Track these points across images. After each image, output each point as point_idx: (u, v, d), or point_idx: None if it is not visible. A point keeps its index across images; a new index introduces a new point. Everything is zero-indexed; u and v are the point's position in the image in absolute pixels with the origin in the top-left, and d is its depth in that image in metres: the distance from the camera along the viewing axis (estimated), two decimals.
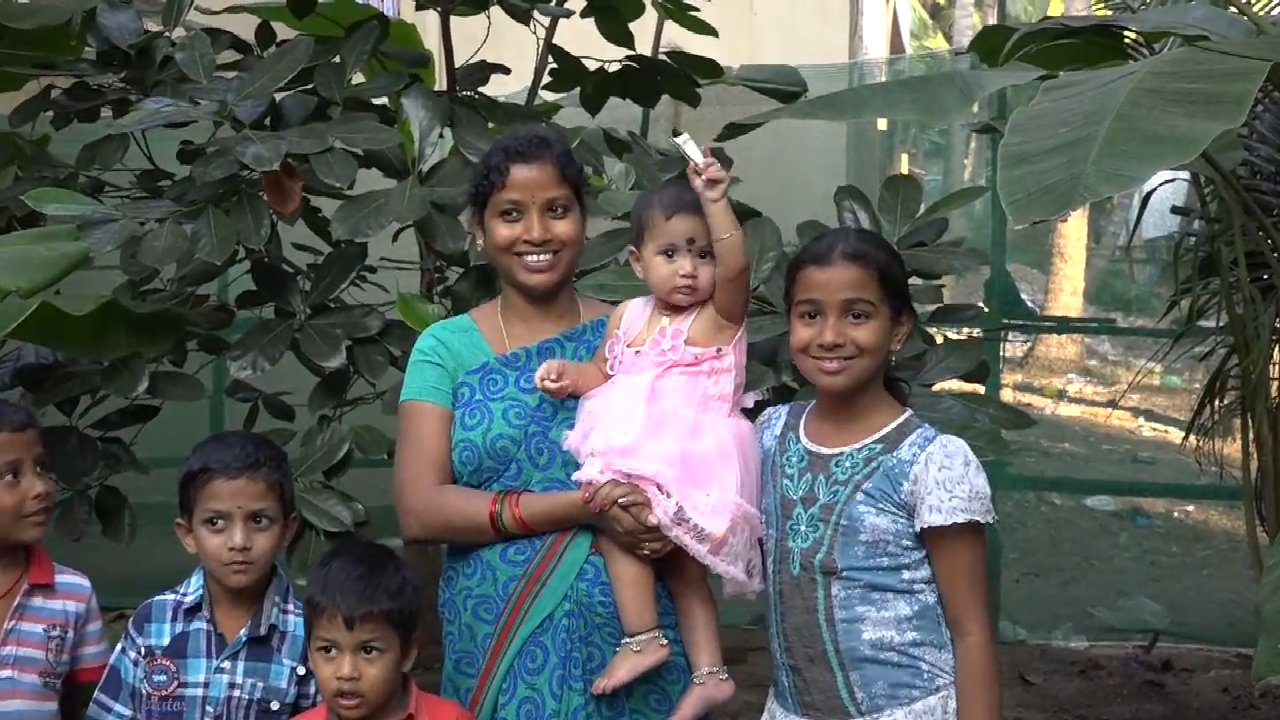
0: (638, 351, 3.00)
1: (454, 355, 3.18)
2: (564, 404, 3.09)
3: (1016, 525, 9.23)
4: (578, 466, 2.96)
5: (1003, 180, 2.87)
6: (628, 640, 2.96)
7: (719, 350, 2.97)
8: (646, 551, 2.93)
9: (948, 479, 2.80)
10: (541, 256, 3.09)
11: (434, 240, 4.27)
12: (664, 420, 2.92)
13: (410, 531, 3.11)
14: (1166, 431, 12.22)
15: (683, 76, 5.30)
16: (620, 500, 2.88)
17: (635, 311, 3.07)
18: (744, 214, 4.61)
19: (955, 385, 4.41)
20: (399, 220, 4.17)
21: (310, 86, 4.62)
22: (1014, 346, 12.72)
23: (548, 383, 3.00)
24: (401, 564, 2.97)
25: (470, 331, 3.22)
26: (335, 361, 4.23)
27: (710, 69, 5.30)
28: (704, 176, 2.89)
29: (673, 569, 3.00)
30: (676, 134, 2.98)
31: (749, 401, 3.08)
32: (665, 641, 2.97)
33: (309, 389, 4.51)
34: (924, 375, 3.94)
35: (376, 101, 4.80)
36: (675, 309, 3.00)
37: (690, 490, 2.88)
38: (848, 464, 2.89)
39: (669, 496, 2.86)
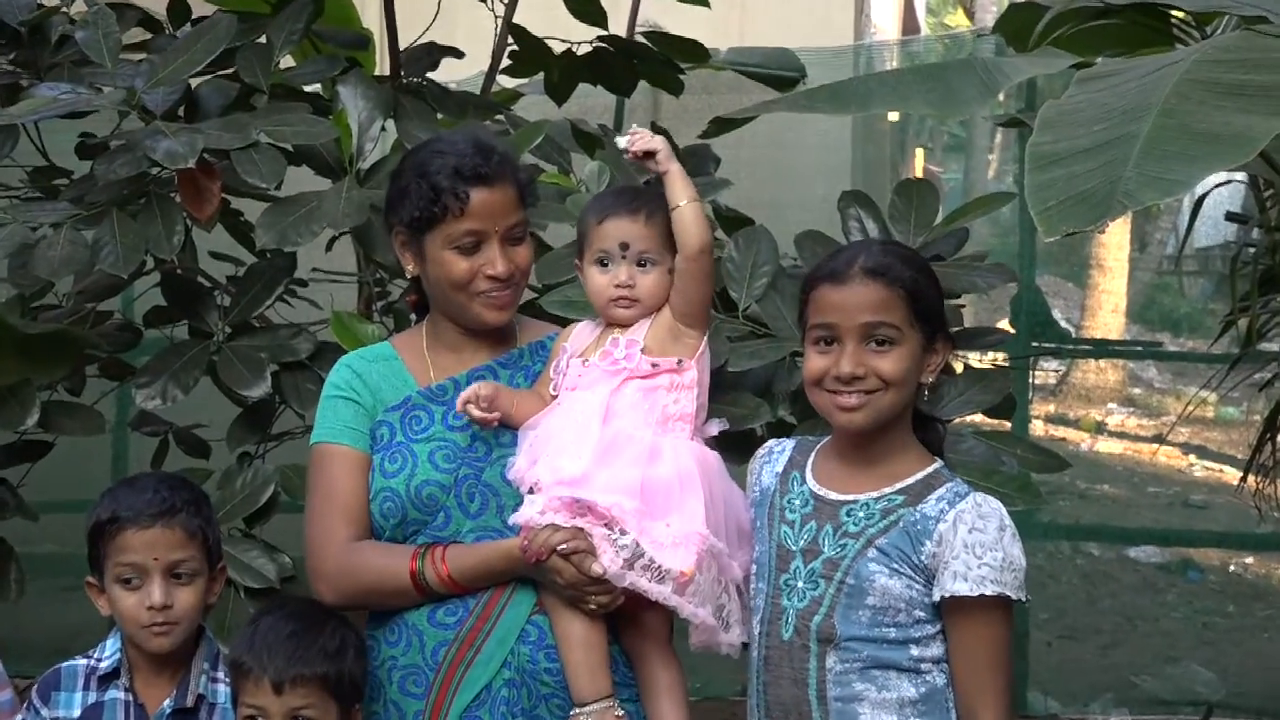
0: (585, 361, 3.02)
1: (372, 390, 3.18)
2: (499, 441, 3.10)
3: (1048, 580, 9.24)
4: (517, 509, 2.97)
5: (1031, 185, 2.88)
6: (578, 711, 2.96)
7: (679, 362, 2.99)
8: (594, 606, 2.93)
9: (979, 543, 2.79)
10: (503, 292, 3.11)
11: (374, 250, 4.28)
12: (619, 443, 2.93)
13: (323, 598, 3.11)
14: (1222, 471, 12.26)
15: (663, 60, 5.31)
16: (560, 548, 2.88)
17: (582, 329, 3.12)
18: (734, 221, 4.65)
19: (978, 419, 4.42)
20: (334, 226, 4.17)
21: (232, 71, 4.61)
22: (1045, 374, 12.76)
23: (472, 408, 3.00)
24: (344, 623, 2.98)
25: (391, 361, 3.24)
26: (259, 390, 4.23)
27: (695, 51, 5.31)
28: (631, 150, 2.97)
29: (630, 626, 3.00)
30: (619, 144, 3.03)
31: (713, 429, 3.10)
32: (622, 713, 2.97)
33: (227, 422, 4.50)
34: (941, 410, 3.93)
35: (308, 89, 4.80)
36: (623, 325, 3.03)
37: (648, 523, 2.89)
38: (861, 514, 2.88)
39: (624, 534, 2.87)
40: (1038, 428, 11.78)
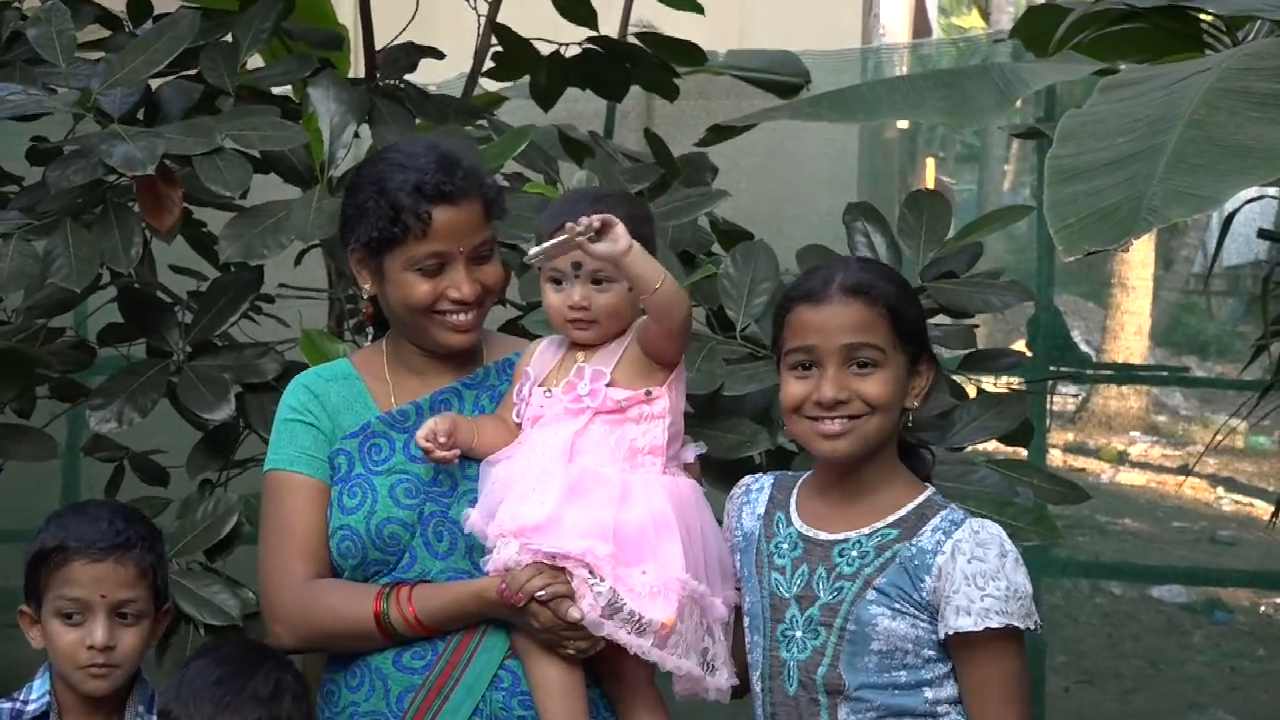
0: (548, 392, 3.00)
1: (330, 413, 3.18)
2: (464, 474, 3.09)
3: (1066, 620, 9.24)
4: (490, 553, 2.95)
5: (1050, 201, 2.88)
6: None
7: (648, 393, 2.98)
8: (572, 651, 2.92)
9: (979, 573, 2.80)
10: (467, 315, 3.10)
11: (346, 263, 4.25)
12: (586, 483, 2.92)
13: (279, 641, 3.11)
14: (1252, 505, 12.27)
15: (657, 63, 5.32)
16: (539, 594, 2.88)
17: (546, 348, 3.10)
18: (732, 235, 4.66)
19: (992, 447, 4.42)
20: (303, 239, 4.17)
21: (195, 72, 4.61)
22: (1064, 399, 12.76)
23: (429, 445, 2.98)
24: (282, 665, 2.96)
25: (350, 381, 3.23)
26: (221, 413, 4.22)
27: (691, 54, 5.32)
28: (575, 233, 2.86)
29: (610, 670, 2.99)
30: (528, 257, 2.95)
31: (690, 455, 3.09)
32: None
33: (187, 447, 4.49)
34: (952, 437, 3.95)
35: (277, 91, 4.80)
36: (587, 345, 3.03)
37: (624, 570, 2.88)
38: (855, 553, 2.88)
39: (602, 580, 2.86)
40: (1055, 457, 11.79)
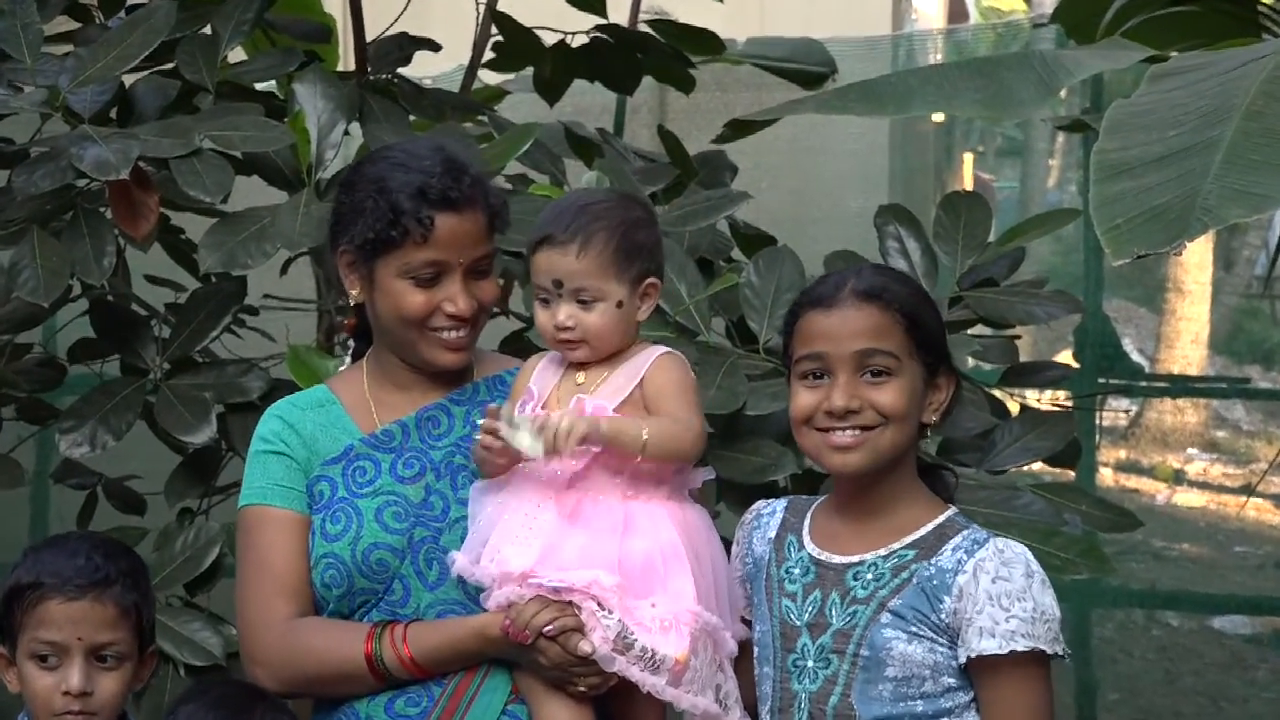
0: (543, 407, 3.02)
1: (306, 441, 3.19)
2: (458, 496, 3.10)
3: (1119, 655, 9.22)
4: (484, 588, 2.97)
5: (1097, 199, 2.88)
6: None
7: None
8: (583, 689, 2.93)
9: (1004, 593, 2.81)
10: (462, 332, 3.12)
11: (333, 267, 4.26)
12: (585, 512, 2.93)
13: (260, 686, 3.10)
14: None
15: (671, 53, 5.33)
16: (547, 629, 2.88)
17: (547, 365, 3.11)
18: (754, 240, 4.66)
19: (1036, 468, 4.42)
20: (289, 247, 4.17)
21: (171, 67, 4.63)
22: (1115, 414, 12.73)
23: (488, 439, 2.98)
24: (277, 708, 2.97)
25: (327, 406, 3.24)
26: (202, 436, 4.23)
27: (708, 43, 5.34)
28: (550, 448, 2.88)
29: (621, 710, 2.99)
30: (510, 423, 2.94)
31: (697, 481, 3.10)
32: None
33: (165, 473, 4.50)
34: (993, 460, 3.94)
35: (260, 88, 4.81)
36: (585, 364, 3.04)
37: (631, 602, 2.88)
38: (869, 575, 2.90)
39: (610, 613, 2.87)
40: (1106, 477, 11.77)
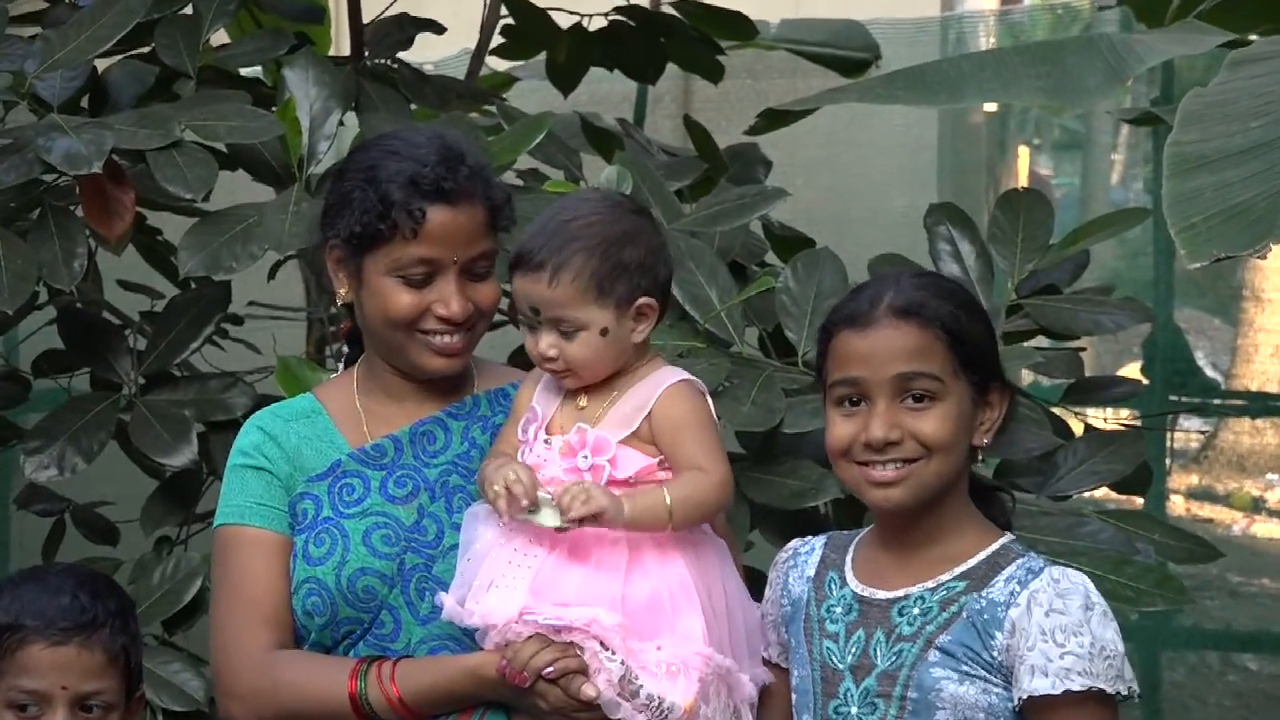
0: (547, 442, 3.01)
1: (289, 455, 3.19)
2: (453, 520, 3.11)
3: (1192, 701, 9.20)
4: None
5: (1170, 196, 2.88)
6: None
7: (662, 461, 3.00)
8: None
9: (1059, 628, 2.79)
10: (455, 337, 3.12)
11: (328, 279, 4.28)
12: (587, 545, 2.93)
13: None
14: None
15: (698, 37, 5.34)
16: (547, 671, 2.89)
17: (547, 386, 3.10)
18: (791, 242, 4.67)
19: (1101, 494, 4.42)
20: (278, 249, 4.18)
21: (149, 50, 4.64)
22: (1187, 435, 12.70)
23: (508, 487, 2.95)
24: None
25: (314, 417, 3.25)
26: (181, 457, 4.23)
27: (739, 26, 5.35)
28: (568, 517, 2.88)
29: None
30: (531, 510, 2.92)
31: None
32: None
33: (140, 498, 4.51)
34: (1055, 485, 3.94)
35: (246, 73, 4.82)
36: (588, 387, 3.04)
37: (635, 644, 2.89)
38: (916, 610, 2.89)
39: (614, 655, 2.87)
40: (1177, 505, 11.74)
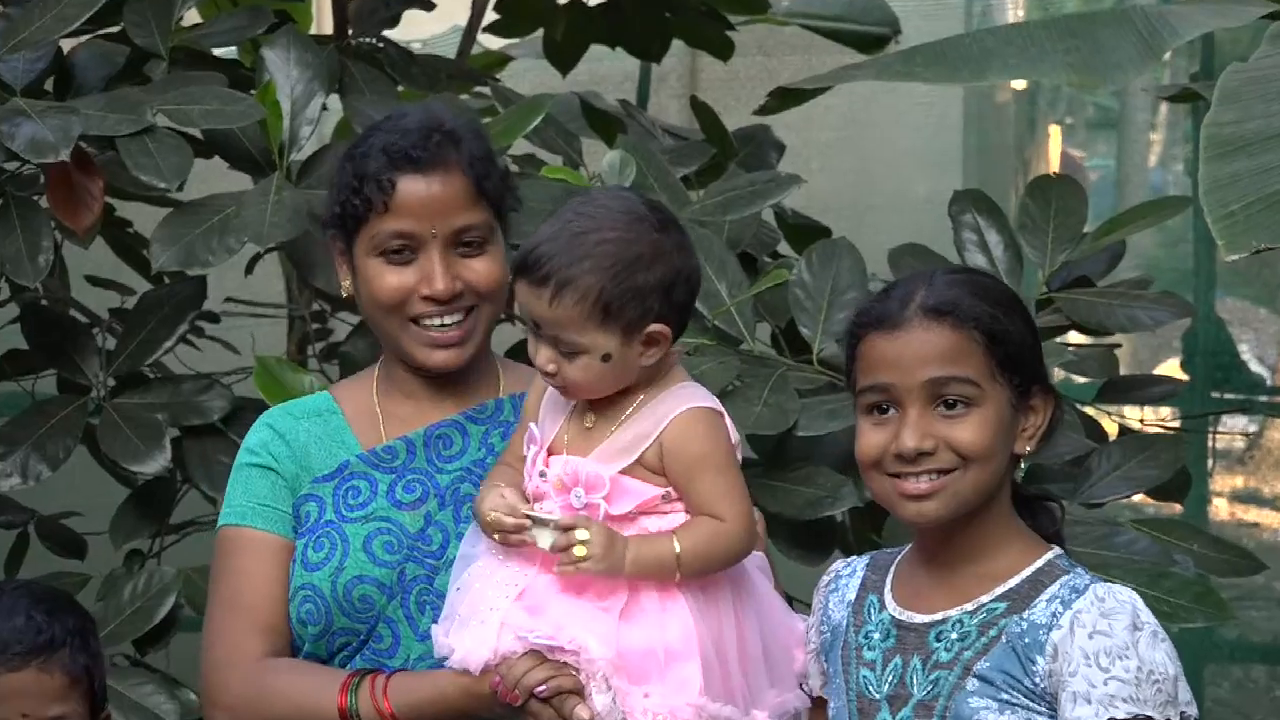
0: (543, 474, 2.98)
1: (297, 454, 3.20)
2: (460, 529, 3.10)
3: (1237, 718, 9.20)
4: None
5: (1208, 182, 2.88)
6: None
7: (668, 495, 2.96)
8: None
9: (1103, 650, 2.76)
10: (448, 320, 3.11)
11: (311, 272, 4.28)
12: (581, 581, 2.91)
13: None
14: None
15: (705, 12, 5.34)
16: (540, 690, 2.88)
17: (555, 393, 3.05)
18: (805, 232, 4.66)
19: (1138, 500, 4.41)
20: (257, 241, 4.18)
21: (119, 30, 4.64)
22: (1231, 436, 12.67)
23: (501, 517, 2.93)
24: None
25: (328, 416, 3.25)
26: (154, 464, 4.23)
27: (748, 0, 5.34)
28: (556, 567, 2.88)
29: None
30: (536, 521, 2.90)
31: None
32: None
33: (110, 508, 4.51)
34: (1088, 491, 3.94)
35: (222, 54, 4.82)
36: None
37: (622, 684, 2.87)
38: (954, 635, 2.87)
39: (607, 688, 2.87)
40: (1220, 509, 11.73)
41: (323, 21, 5.24)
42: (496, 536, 2.91)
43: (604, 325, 2.89)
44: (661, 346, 2.96)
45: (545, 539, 2.87)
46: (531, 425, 3.03)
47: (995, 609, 2.86)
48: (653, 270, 2.93)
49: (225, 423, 4.33)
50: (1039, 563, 2.90)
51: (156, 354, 4.46)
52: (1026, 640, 2.81)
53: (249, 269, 4.97)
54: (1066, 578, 2.86)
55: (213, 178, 4.47)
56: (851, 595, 3.03)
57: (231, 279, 4.80)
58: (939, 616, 2.90)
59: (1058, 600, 2.82)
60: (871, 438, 2.88)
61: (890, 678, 2.90)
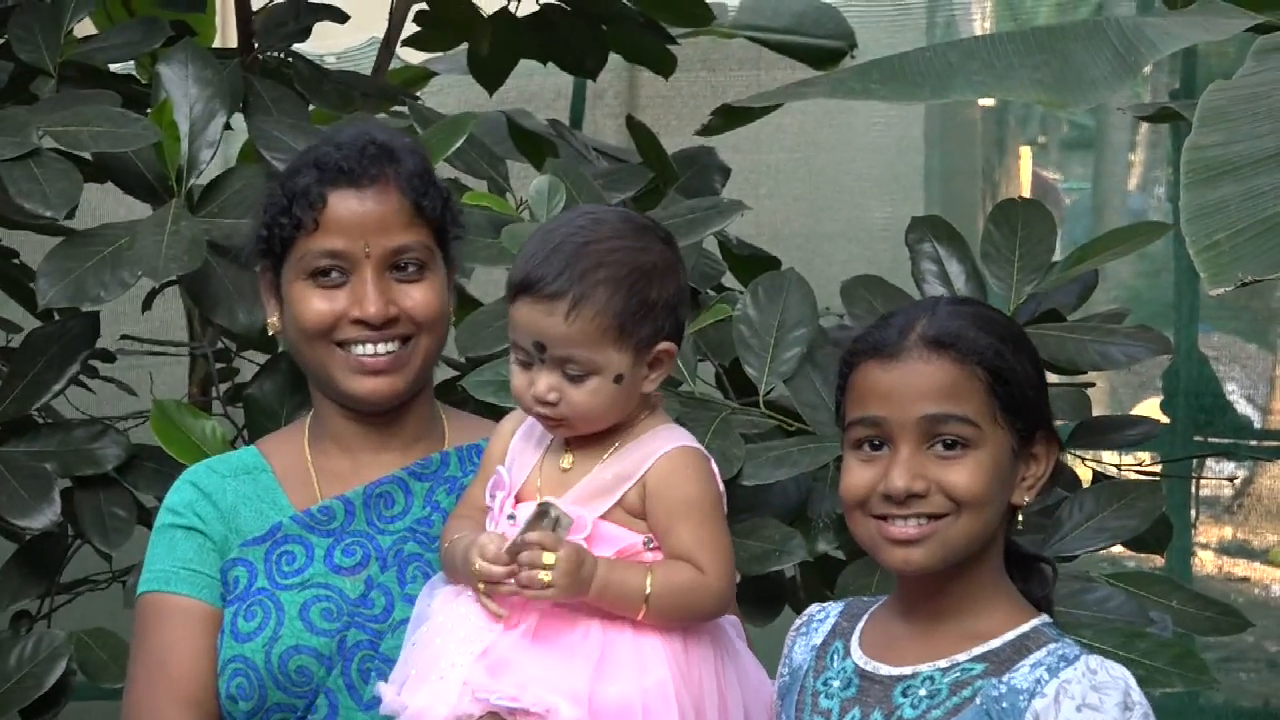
0: (512, 518, 2.96)
1: (225, 515, 3.19)
2: (405, 592, 3.11)
3: None
4: None
5: (1190, 208, 2.89)
6: None
7: (649, 541, 2.96)
8: None
9: None
10: (381, 348, 3.11)
11: (213, 309, 4.27)
12: (550, 633, 2.91)
13: None
14: None
15: (644, 24, 5.35)
16: None
17: (525, 436, 3.06)
18: (751, 263, 4.66)
19: (1116, 553, 4.42)
20: (153, 276, 4.16)
21: (2, 42, 4.63)
22: (1216, 483, 12.71)
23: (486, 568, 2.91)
24: None
25: (257, 474, 3.25)
26: (42, 518, 4.21)
27: (693, 11, 5.35)
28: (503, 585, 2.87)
29: None
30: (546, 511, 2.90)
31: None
32: None
33: None
34: (1060, 543, 3.94)
35: (117, 69, 4.80)
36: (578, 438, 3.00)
37: None
38: (923, 691, 2.87)
39: None
40: (1205, 563, 11.76)
41: (226, 34, 5.24)
42: (482, 587, 2.89)
43: (619, 342, 2.91)
44: (666, 368, 3.00)
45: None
46: (500, 469, 3.02)
47: (972, 669, 2.85)
48: (665, 284, 2.97)
49: (120, 472, 4.32)
50: (1025, 627, 2.89)
51: (45, 397, 4.43)
52: (1004, 705, 2.80)
53: (146, 304, 4.95)
54: (1054, 645, 2.85)
55: (105, 205, 4.46)
56: (818, 640, 3.03)
57: (128, 315, 4.79)
58: (908, 670, 2.90)
59: (1043, 667, 2.82)
60: (859, 475, 2.87)
61: None
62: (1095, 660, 2.84)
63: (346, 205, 3.08)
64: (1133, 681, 2.82)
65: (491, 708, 2.86)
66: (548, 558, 2.81)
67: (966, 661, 2.87)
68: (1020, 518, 2.96)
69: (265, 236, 3.12)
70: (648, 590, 2.87)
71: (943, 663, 2.88)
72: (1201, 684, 3.65)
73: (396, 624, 3.08)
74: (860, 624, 3.01)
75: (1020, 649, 2.87)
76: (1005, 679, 2.83)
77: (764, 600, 3.37)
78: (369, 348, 3.10)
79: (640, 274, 2.94)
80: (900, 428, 2.84)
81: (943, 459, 2.84)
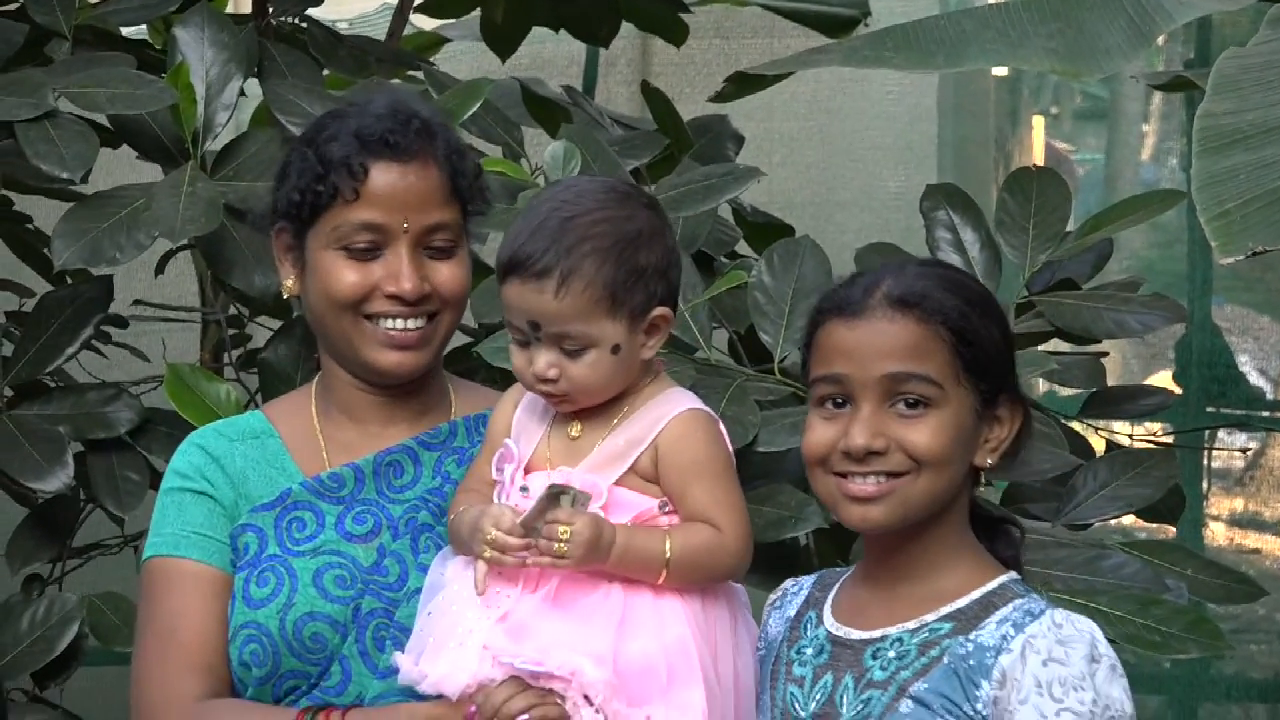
0: (524, 489, 2.98)
1: (234, 480, 3.20)
2: (419, 560, 3.12)
3: None
4: None
5: (1201, 177, 2.89)
6: None
7: (664, 505, 2.99)
8: None
9: (1056, 680, 2.77)
10: (411, 323, 3.12)
11: (227, 273, 4.29)
12: (570, 597, 2.92)
13: None
14: None
15: None
16: (521, 718, 2.87)
17: (528, 409, 3.08)
18: (766, 230, 4.67)
19: (1129, 522, 4.42)
20: (169, 237, 4.18)
21: (17, 6, 4.64)
22: (1229, 454, 12.67)
23: (501, 538, 2.92)
24: None
25: (264, 439, 3.26)
26: (55, 482, 4.24)
27: None
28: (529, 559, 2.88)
29: None
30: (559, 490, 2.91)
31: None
32: None
33: (7, 530, 4.51)
34: (1075, 511, 3.95)
35: (131, 34, 4.81)
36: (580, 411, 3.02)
37: (622, 709, 2.88)
38: (892, 653, 2.88)
39: (597, 713, 2.87)
40: (1217, 534, 11.73)
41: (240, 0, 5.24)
42: (489, 554, 2.89)
43: (612, 312, 2.93)
44: (663, 334, 3.01)
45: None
46: (507, 441, 3.04)
47: (939, 629, 2.88)
48: (653, 248, 2.99)
49: (133, 436, 4.33)
50: (991, 584, 2.92)
51: (58, 361, 4.45)
52: (971, 663, 2.82)
53: (159, 268, 4.96)
54: (1020, 601, 2.88)
55: (120, 168, 4.47)
56: (793, 611, 3.06)
57: (141, 279, 4.81)
58: (877, 634, 2.92)
59: (1009, 623, 2.84)
60: (820, 432, 2.90)
61: (818, 695, 2.92)
62: (1061, 614, 2.85)
63: (388, 178, 3.08)
64: (1099, 634, 2.84)
65: (514, 672, 2.87)
66: (563, 530, 2.83)
67: (934, 621, 2.90)
68: (998, 483, 2.97)
69: (298, 201, 3.11)
70: (667, 554, 2.90)
71: (911, 624, 2.91)
72: (1216, 650, 3.65)
73: (411, 593, 3.08)
74: (832, 593, 3.04)
75: (987, 606, 2.89)
76: (972, 636, 2.85)
77: (778, 567, 3.36)
78: (399, 322, 3.10)
79: (627, 242, 2.96)
80: (862, 386, 2.87)
81: (904, 418, 2.86)
